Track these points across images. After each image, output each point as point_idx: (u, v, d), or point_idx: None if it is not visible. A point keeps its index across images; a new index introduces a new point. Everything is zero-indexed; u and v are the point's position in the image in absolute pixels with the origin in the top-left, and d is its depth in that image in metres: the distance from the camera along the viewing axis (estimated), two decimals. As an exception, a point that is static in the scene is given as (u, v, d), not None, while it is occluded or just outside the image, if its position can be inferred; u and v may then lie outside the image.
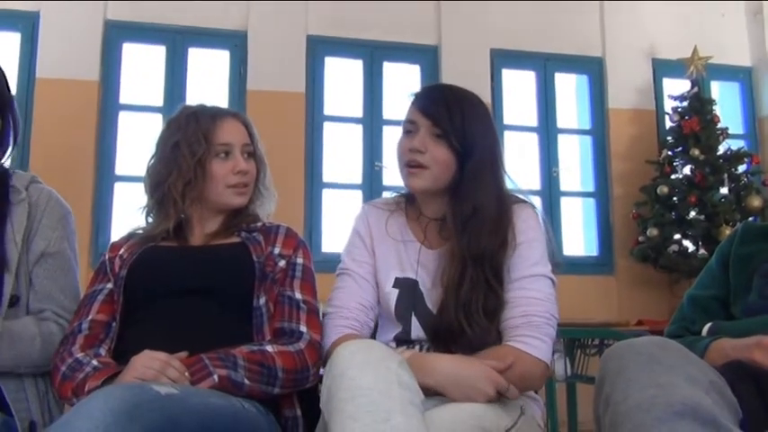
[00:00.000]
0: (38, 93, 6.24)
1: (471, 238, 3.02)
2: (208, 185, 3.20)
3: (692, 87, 6.66)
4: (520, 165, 6.57)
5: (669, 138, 6.72)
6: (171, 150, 3.24)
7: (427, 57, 6.64)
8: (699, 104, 6.59)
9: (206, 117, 3.27)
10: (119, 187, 6.26)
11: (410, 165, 3.02)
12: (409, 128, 3.03)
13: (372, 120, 6.49)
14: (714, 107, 6.66)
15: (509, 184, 3.12)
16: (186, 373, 2.85)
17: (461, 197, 3.04)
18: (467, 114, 3.05)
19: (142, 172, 3.26)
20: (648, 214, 6.59)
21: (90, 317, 3.16)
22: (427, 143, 2.99)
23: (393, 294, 3.14)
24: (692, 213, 6.59)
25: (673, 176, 6.60)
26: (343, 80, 6.70)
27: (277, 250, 3.23)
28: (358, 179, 6.46)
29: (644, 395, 2.41)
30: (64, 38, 6.19)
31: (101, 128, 6.20)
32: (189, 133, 3.24)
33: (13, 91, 3.67)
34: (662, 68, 7.03)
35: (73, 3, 6.29)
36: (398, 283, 3.19)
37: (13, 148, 3.26)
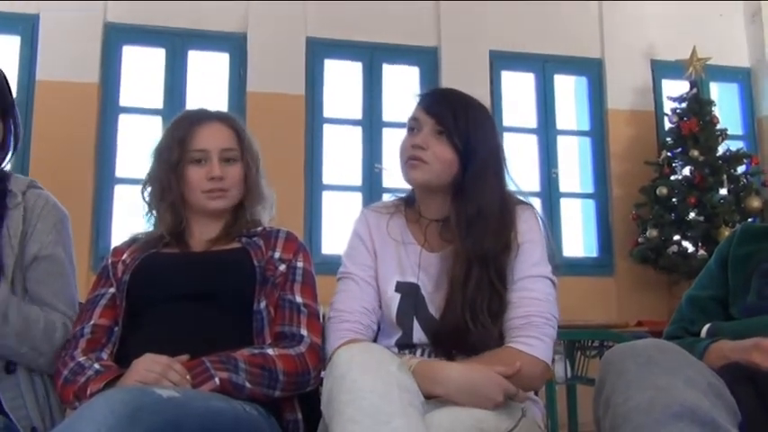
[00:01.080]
0: (38, 95, 6.27)
1: (476, 239, 3.04)
2: (186, 191, 3.24)
3: (691, 88, 6.72)
4: (519, 166, 6.37)
5: (668, 139, 6.78)
6: (156, 156, 3.29)
7: (427, 58, 6.73)
8: (698, 105, 6.64)
9: (185, 123, 3.30)
10: (119, 190, 6.25)
11: (411, 159, 3.08)
12: (413, 125, 3.08)
13: (372, 122, 6.57)
14: (713, 108, 6.73)
15: (511, 187, 3.12)
16: (188, 377, 2.86)
17: (465, 197, 3.08)
18: (470, 116, 3.10)
19: (142, 174, 3.26)
20: (648, 215, 6.64)
21: (92, 321, 3.18)
22: (429, 140, 3.02)
23: (395, 299, 3.14)
24: (692, 214, 6.64)
25: (672, 177, 6.65)
26: (342, 82, 6.66)
27: (277, 254, 3.25)
28: (358, 181, 6.44)
29: (643, 397, 2.41)
30: (63, 40, 6.21)
31: (101, 130, 6.23)
32: (168, 139, 3.28)
33: (13, 94, 3.69)
34: (661, 69, 7.11)
35: (72, 5, 6.23)
36: (400, 287, 3.18)
37: (13, 154, 3.23)
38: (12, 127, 3.21)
